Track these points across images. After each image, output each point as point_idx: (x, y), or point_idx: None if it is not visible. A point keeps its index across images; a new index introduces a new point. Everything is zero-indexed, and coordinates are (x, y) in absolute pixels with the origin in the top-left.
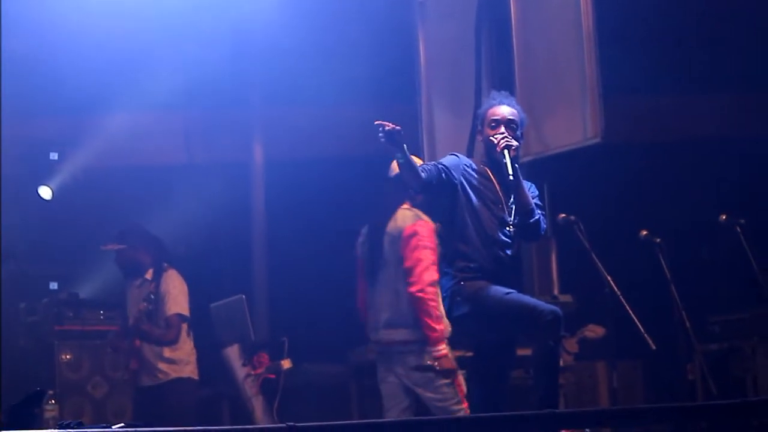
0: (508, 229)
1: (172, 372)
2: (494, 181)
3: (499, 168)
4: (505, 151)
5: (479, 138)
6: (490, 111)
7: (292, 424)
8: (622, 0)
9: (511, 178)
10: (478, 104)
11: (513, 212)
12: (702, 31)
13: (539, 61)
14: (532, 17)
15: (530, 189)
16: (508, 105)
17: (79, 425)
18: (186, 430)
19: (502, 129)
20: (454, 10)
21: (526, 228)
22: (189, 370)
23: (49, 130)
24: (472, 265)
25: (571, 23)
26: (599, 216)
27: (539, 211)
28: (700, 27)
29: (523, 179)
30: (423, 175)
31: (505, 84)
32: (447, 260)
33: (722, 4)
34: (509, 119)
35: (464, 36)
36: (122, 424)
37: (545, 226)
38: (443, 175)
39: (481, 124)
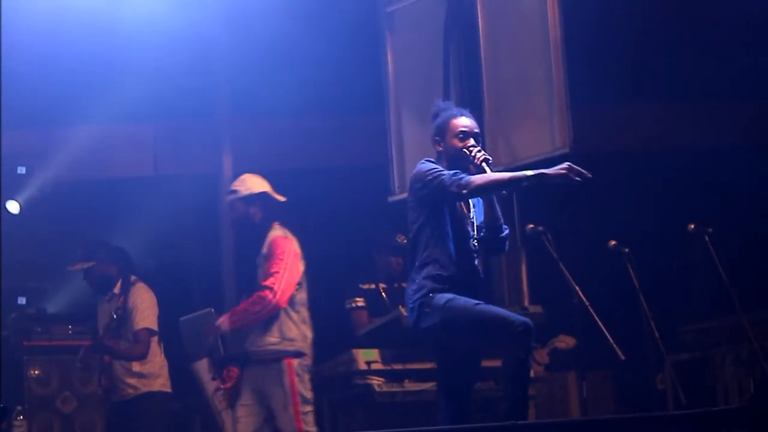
0: (473, 243)
1: (142, 386)
2: None
3: None
4: (484, 164)
5: (438, 148)
6: (454, 122)
7: None
8: (590, 10)
9: (504, 192)
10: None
11: (475, 227)
12: (669, 41)
13: (507, 71)
14: (500, 28)
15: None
16: (467, 117)
17: None
18: None
19: (472, 141)
20: (422, 21)
21: (495, 242)
22: (160, 383)
23: (16, 144)
24: (444, 275)
25: (539, 33)
26: (567, 226)
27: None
28: (667, 37)
29: None
30: None
31: (473, 94)
32: (415, 268)
33: (690, 13)
34: (476, 131)
35: (432, 46)
36: None
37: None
38: None
39: (441, 134)
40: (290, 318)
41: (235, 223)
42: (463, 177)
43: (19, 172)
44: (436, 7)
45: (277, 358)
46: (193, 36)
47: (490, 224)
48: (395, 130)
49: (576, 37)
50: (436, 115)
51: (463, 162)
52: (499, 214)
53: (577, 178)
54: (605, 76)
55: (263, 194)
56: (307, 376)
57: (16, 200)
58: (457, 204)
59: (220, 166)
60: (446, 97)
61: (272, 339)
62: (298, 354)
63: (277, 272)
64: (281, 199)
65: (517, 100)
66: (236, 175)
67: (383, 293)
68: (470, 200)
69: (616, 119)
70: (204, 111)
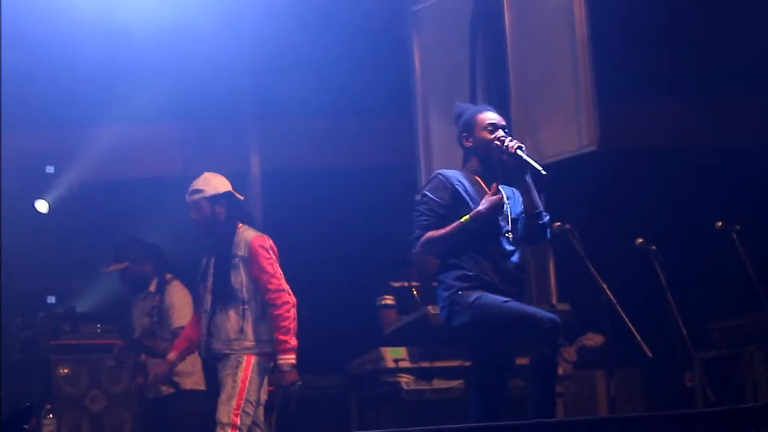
0: (507, 236)
1: (178, 384)
2: (488, 190)
3: (492, 172)
4: (519, 152)
5: (467, 144)
6: (481, 116)
7: None
8: (616, 8)
9: (544, 172)
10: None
11: (509, 220)
12: (699, 39)
13: (534, 69)
14: (526, 25)
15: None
16: (492, 111)
17: None
18: None
19: (501, 132)
20: (449, 20)
21: (534, 230)
22: (193, 381)
23: (45, 143)
24: (470, 274)
25: (565, 31)
26: (595, 224)
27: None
28: (696, 34)
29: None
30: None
31: (500, 92)
32: (444, 271)
33: (718, 12)
34: (503, 124)
35: (459, 44)
36: None
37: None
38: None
39: (469, 129)
40: (264, 318)
41: (199, 223)
42: (415, 234)
43: (47, 171)
44: (462, 5)
45: (241, 353)
46: (220, 37)
47: (530, 212)
48: (423, 128)
49: (603, 33)
50: (459, 115)
51: (494, 153)
52: (538, 201)
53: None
54: (632, 73)
55: (228, 194)
56: (264, 379)
57: (45, 199)
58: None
59: (248, 166)
60: (473, 94)
61: (240, 336)
62: (262, 354)
63: (275, 272)
64: (241, 197)
65: (543, 98)
66: (264, 175)
67: (415, 291)
68: (504, 192)
69: (644, 116)
70: (231, 111)
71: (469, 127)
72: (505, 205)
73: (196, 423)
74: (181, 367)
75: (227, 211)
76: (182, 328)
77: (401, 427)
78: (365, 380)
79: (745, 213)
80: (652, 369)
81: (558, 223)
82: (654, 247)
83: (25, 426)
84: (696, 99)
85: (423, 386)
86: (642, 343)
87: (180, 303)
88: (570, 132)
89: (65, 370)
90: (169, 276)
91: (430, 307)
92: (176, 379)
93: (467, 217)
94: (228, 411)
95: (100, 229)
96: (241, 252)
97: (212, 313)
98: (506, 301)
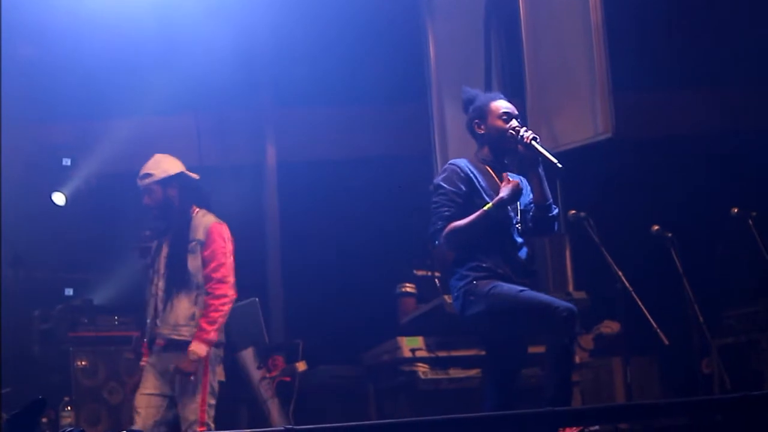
0: (517, 227)
1: None
2: (497, 179)
3: (502, 161)
4: (534, 143)
5: (479, 131)
6: (494, 104)
7: (290, 426)
8: None
9: (559, 165)
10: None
11: (519, 211)
12: (714, 26)
13: (549, 56)
14: (541, 13)
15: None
16: (505, 99)
17: None
18: None
19: (515, 122)
20: (463, 7)
21: (543, 222)
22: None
23: (61, 135)
24: (484, 265)
25: (580, 18)
26: (611, 211)
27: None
28: (711, 21)
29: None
30: None
31: (514, 80)
32: (457, 261)
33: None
34: (517, 113)
35: (473, 33)
36: None
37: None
38: (461, 202)
39: (482, 117)
40: None
41: (152, 208)
42: (437, 226)
43: (64, 163)
44: None
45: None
46: (237, 27)
47: (540, 203)
48: (438, 117)
49: (618, 20)
50: (470, 101)
51: (508, 142)
52: (548, 193)
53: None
54: (647, 60)
55: (180, 175)
56: (219, 368)
57: (62, 192)
58: (496, 191)
59: (264, 156)
60: (487, 83)
61: (191, 322)
62: (217, 344)
63: (226, 262)
64: (196, 177)
65: (558, 86)
66: (280, 165)
67: (437, 281)
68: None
69: (659, 104)
70: (247, 101)
71: (482, 114)
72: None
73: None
74: None
75: (180, 194)
76: None
77: (418, 416)
78: (382, 370)
79: (761, 199)
80: (669, 356)
81: (573, 211)
82: (670, 234)
83: (43, 419)
84: (711, 87)
85: (440, 375)
86: (659, 330)
87: None
88: (585, 120)
89: (83, 363)
90: None
91: (446, 297)
92: None
93: (490, 204)
94: (195, 408)
95: (117, 221)
96: (200, 236)
97: (166, 297)
98: (522, 290)
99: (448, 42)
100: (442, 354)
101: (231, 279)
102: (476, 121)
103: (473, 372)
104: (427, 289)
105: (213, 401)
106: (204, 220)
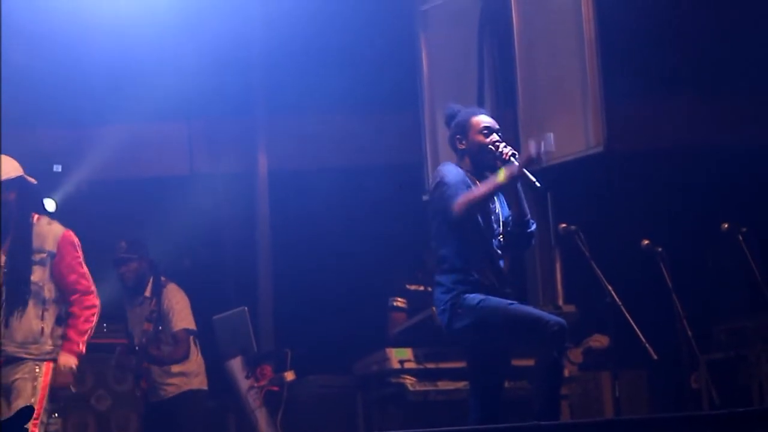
0: (500, 239)
1: (183, 385)
2: None
3: (483, 175)
4: (512, 159)
5: (460, 146)
6: (475, 119)
7: None
8: (624, 8)
9: (538, 184)
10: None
11: (501, 222)
12: (706, 38)
13: (541, 69)
14: (534, 25)
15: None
16: (487, 114)
17: None
18: None
19: (496, 136)
20: (457, 19)
21: (520, 237)
22: (198, 381)
23: (52, 142)
24: (471, 278)
25: (573, 31)
26: (601, 225)
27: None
28: (703, 33)
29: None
30: None
31: (507, 92)
32: (442, 273)
33: (726, 11)
34: (497, 128)
35: (467, 44)
36: None
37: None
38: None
39: (463, 132)
40: (63, 321)
41: None
42: (455, 203)
43: (55, 170)
44: (470, 5)
45: (40, 358)
46: (229, 34)
47: (518, 219)
48: (430, 128)
49: (610, 33)
50: (452, 116)
51: (487, 157)
52: (527, 209)
53: (535, 162)
54: (640, 73)
55: (19, 179)
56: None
57: (53, 198)
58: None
59: (256, 165)
60: (480, 94)
61: (40, 339)
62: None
63: (85, 272)
64: (34, 181)
65: (551, 98)
66: (271, 174)
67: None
68: (494, 196)
69: (650, 117)
70: (239, 109)
71: (463, 129)
72: (497, 209)
73: (201, 422)
74: (186, 367)
75: (19, 198)
76: (184, 330)
77: (407, 428)
78: (371, 381)
79: (751, 214)
80: (657, 371)
81: (564, 225)
82: (660, 249)
83: (27, 425)
84: (703, 99)
85: (428, 387)
86: (647, 345)
87: (179, 305)
88: (577, 132)
89: None
90: (163, 279)
91: (434, 309)
92: (184, 379)
93: (502, 174)
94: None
95: (108, 228)
96: (49, 246)
97: (8, 313)
98: (511, 304)
99: (442, 52)
100: (430, 365)
101: (93, 287)
102: (458, 136)
103: (461, 384)
104: (418, 304)
105: (45, 418)
106: (51, 228)
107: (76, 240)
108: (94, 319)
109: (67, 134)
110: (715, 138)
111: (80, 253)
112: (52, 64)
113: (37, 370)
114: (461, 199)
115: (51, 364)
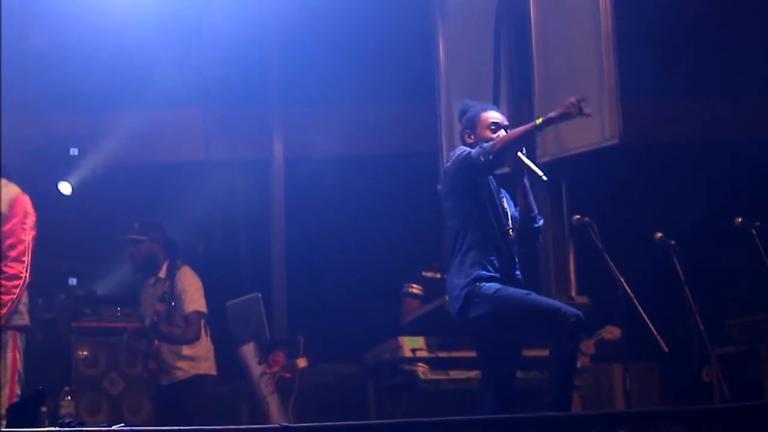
0: (509, 232)
1: (191, 369)
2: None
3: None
4: (519, 153)
5: (469, 140)
6: (485, 115)
7: (285, 424)
8: (641, 1)
9: (544, 178)
10: (496, 104)
11: (509, 217)
12: (721, 33)
13: (558, 61)
14: (551, 18)
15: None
16: (497, 110)
17: (79, 424)
18: (180, 430)
19: (503, 132)
20: (474, 11)
21: (527, 233)
22: (207, 366)
23: (69, 126)
24: (486, 265)
25: (590, 24)
26: (615, 217)
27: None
28: (719, 29)
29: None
30: None
31: (524, 84)
32: (460, 259)
33: (742, 6)
34: (506, 124)
35: (483, 35)
36: (122, 425)
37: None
38: None
39: (472, 127)
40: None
41: None
42: (484, 146)
43: (71, 153)
44: None
45: (4, 328)
46: (246, 22)
47: (525, 214)
48: (446, 118)
49: (627, 26)
50: (464, 112)
51: None
52: (533, 204)
53: (577, 112)
54: (656, 66)
55: None
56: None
57: (68, 181)
58: (492, 194)
59: (271, 152)
60: (496, 86)
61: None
62: (23, 328)
63: (24, 240)
64: None
65: (567, 90)
66: (287, 161)
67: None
68: (500, 193)
69: (666, 110)
70: (255, 96)
71: (472, 124)
72: (505, 203)
73: (209, 407)
74: (195, 351)
75: None
76: (195, 312)
77: (418, 416)
78: (383, 369)
79: (765, 209)
80: (669, 364)
81: (578, 216)
82: (673, 242)
83: (43, 408)
84: (719, 93)
85: (440, 376)
86: (659, 337)
87: (192, 287)
88: (593, 124)
89: (84, 353)
90: (179, 262)
91: (447, 297)
92: (192, 363)
93: (540, 120)
94: (3, 402)
95: (122, 213)
96: (3, 208)
97: None
98: (528, 294)
99: (459, 44)
100: (442, 354)
101: (27, 258)
102: (467, 131)
103: (473, 373)
104: (434, 291)
105: (19, 391)
106: (7, 190)
107: (29, 204)
108: (16, 291)
109: (84, 119)
110: (731, 132)
111: (29, 218)
112: (71, 49)
113: (4, 343)
114: (497, 139)
115: (17, 334)
